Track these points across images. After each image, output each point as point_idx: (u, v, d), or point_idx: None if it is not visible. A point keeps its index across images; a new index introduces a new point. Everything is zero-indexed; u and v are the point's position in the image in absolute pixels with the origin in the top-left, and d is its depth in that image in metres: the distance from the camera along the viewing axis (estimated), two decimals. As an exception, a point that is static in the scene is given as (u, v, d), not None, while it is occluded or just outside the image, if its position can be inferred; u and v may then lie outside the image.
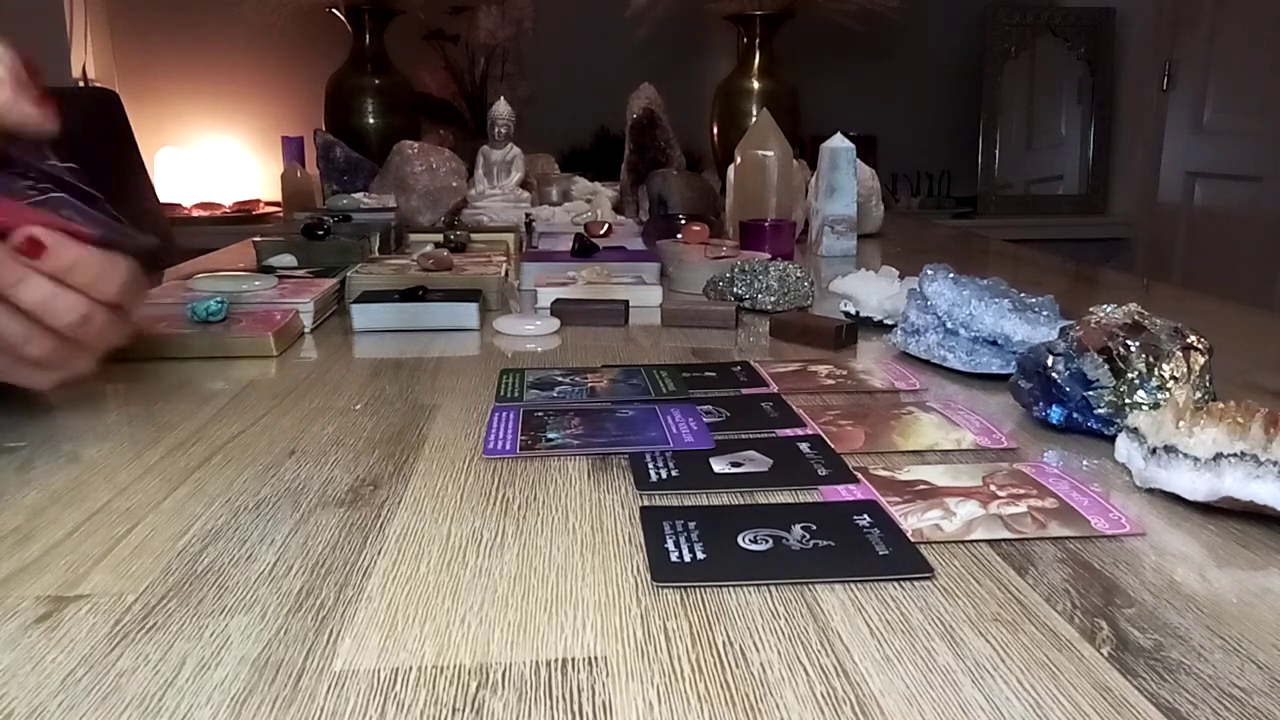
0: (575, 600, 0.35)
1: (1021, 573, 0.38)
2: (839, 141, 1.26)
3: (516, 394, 0.61)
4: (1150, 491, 0.45)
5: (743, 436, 0.53)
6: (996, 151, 2.80)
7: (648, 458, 0.50)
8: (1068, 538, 0.41)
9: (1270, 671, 0.31)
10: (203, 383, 0.65)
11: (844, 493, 0.45)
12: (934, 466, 0.49)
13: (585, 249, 1.05)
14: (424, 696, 0.30)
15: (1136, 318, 0.53)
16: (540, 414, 0.57)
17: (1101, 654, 0.32)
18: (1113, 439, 0.50)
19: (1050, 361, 0.53)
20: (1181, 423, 0.44)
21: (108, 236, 0.51)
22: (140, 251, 0.53)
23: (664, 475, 0.47)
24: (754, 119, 1.45)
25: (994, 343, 0.66)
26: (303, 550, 0.40)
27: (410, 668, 0.31)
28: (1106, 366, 0.52)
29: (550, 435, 0.53)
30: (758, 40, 2.03)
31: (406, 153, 1.43)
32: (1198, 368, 0.52)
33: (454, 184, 1.43)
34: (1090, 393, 0.52)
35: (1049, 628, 0.33)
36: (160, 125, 2.59)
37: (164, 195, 2.41)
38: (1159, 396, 0.51)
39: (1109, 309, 0.55)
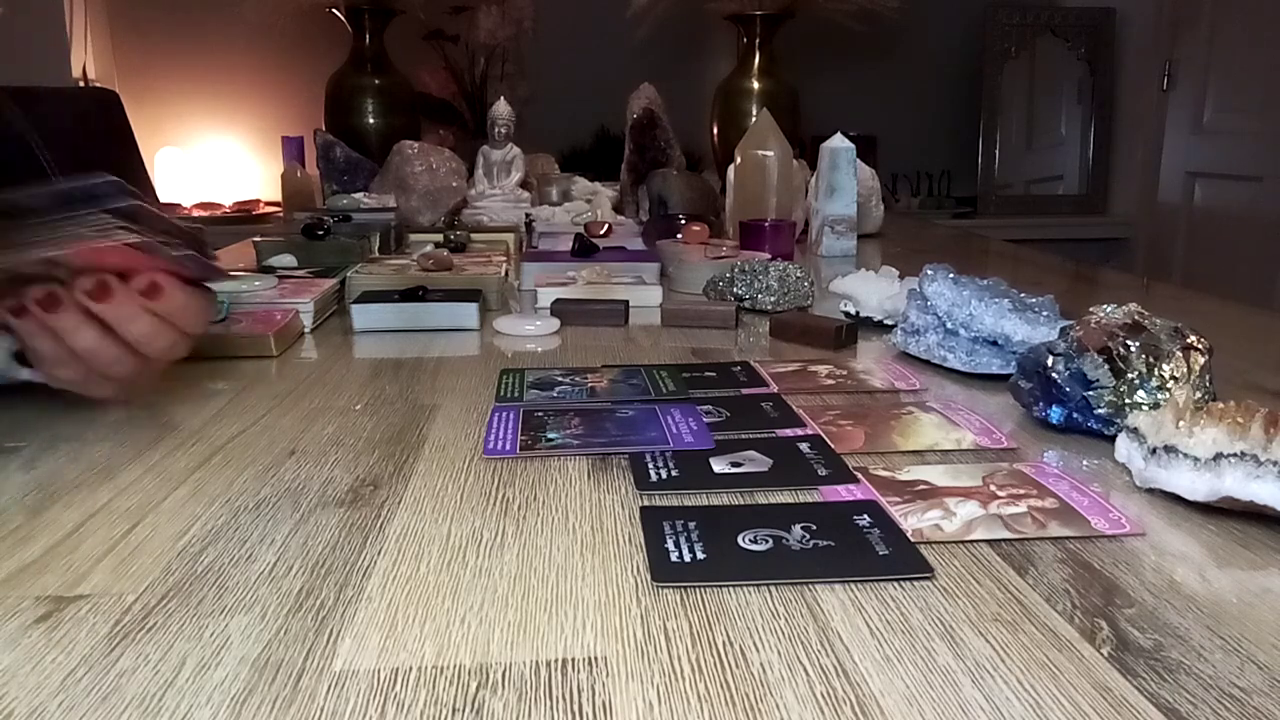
0: (575, 600, 0.35)
1: (1021, 573, 0.38)
2: (839, 141, 1.26)
3: (516, 394, 0.61)
4: (1150, 491, 0.45)
5: (743, 436, 0.53)
6: (996, 151, 2.80)
7: (648, 458, 0.50)
8: (1068, 538, 0.41)
9: (1270, 671, 0.31)
10: (203, 383, 0.65)
11: (844, 493, 0.45)
12: (934, 466, 0.49)
13: (585, 249, 1.05)
14: (424, 696, 0.30)
15: (1136, 318, 0.53)
16: (540, 414, 0.57)
17: (1101, 654, 0.32)
18: (1113, 439, 0.50)
19: (1050, 361, 0.53)
20: (1181, 423, 0.44)
21: (202, 276, 0.56)
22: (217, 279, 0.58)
23: (664, 475, 0.47)
24: (754, 119, 1.45)
25: (994, 343, 0.66)
26: (303, 550, 0.40)
27: (410, 668, 0.31)
28: (1106, 366, 0.52)
29: (550, 435, 0.53)
30: (758, 40, 2.03)
31: (406, 153, 1.43)
32: (1198, 368, 0.52)
33: (454, 184, 1.43)
34: (1090, 393, 0.52)
35: (1049, 628, 0.33)
36: (160, 125, 2.59)
37: (164, 195, 2.42)
38: (1159, 396, 0.51)
39: (1109, 309, 0.55)
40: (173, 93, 2.62)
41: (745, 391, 0.62)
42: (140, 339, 0.53)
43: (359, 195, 1.43)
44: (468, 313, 0.82)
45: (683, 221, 1.21)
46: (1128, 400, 0.51)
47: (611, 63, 2.47)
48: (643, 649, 0.32)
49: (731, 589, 0.36)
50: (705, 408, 0.58)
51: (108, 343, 0.52)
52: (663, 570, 0.37)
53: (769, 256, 1.00)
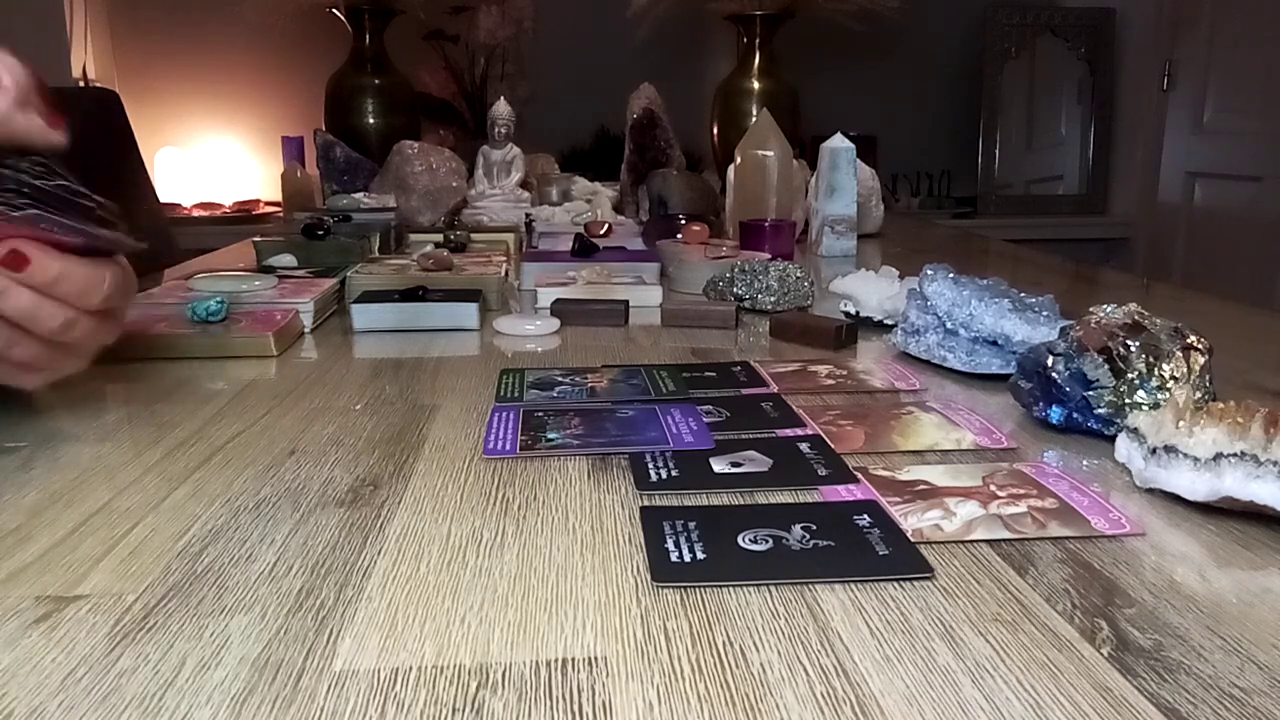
0: (575, 600, 0.35)
1: (1021, 573, 0.38)
2: (839, 141, 1.26)
3: (516, 394, 0.61)
4: (1150, 491, 0.45)
5: (743, 436, 0.53)
6: (996, 151, 2.80)
7: (648, 458, 0.50)
8: (1068, 538, 0.41)
9: (1270, 671, 0.31)
10: (203, 383, 0.65)
11: (844, 493, 0.45)
12: (934, 466, 0.49)
13: (585, 249, 1.05)
14: (424, 696, 0.30)
15: (1136, 318, 0.53)
16: (540, 414, 0.57)
17: (1101, 654, 0.32)
18: (1113, 439, 0.50)
19: (1050, 361, 0.53)
20: (1181, 423, 0.44)
21: (91, 245, 0.51)
22: (128, 254, 0.54)
23: (664, 475, 0.47)
24: (754, 119, 1.45)
25: (994, 343, 0.66)
26: (303, 550, 0.40)
27: (410, 668, 0.31)
28: (1106, 366, 0.52)
29: (550, 435, 0.53)
30: (758, 40, 2.03)
31: (406, 153, 1.43)
32: (1198, 368, 0.52)
33: (454, 184, 1.43)
34: (1090, 393, 0.52)
35: (1049, 628, 0.33)
36: (160, 125, 2.59)
37: (164, 195, 2.42)
38: (1159, 396, 0.51)
39: (1109, 309, 0.55)
40: (173, 93, 2.62)
41: (745, 391, 0.62)
42: (20, 315, 0.49)
43: (359, 195, 1.43)
44: (468, 313, 0.82)
45: (683, 221, 1.21)
46: (1128, 400, 0.51)
47: (611, 63, 2.47)
48: (643, 649, 0.32)
49: (731, 589, 0.36)
50: (705, 408, 0.58)
51: None
52: (663, 570, 0.37)
53: (769, 256, 1.00)
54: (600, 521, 0.42)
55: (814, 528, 0.41)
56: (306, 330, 0.80)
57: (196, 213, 2.53)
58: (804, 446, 0.51)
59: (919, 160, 2.86)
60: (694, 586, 0.36)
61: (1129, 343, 0.52)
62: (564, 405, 0.59)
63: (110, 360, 0.67)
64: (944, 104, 2.90)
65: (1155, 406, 0.50)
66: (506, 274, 0.98)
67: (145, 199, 1.68)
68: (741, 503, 0.45)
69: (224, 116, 2.66)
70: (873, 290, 0.81)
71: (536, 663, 0.31)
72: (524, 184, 1.50)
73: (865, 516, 0.42)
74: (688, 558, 0.38)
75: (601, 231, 1.21)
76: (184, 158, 2.63)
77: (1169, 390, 0.51)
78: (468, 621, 0.34)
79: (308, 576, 0.37)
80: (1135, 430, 0.46)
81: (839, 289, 0.85)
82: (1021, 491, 0.45)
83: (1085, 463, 0.50)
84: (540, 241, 1.25)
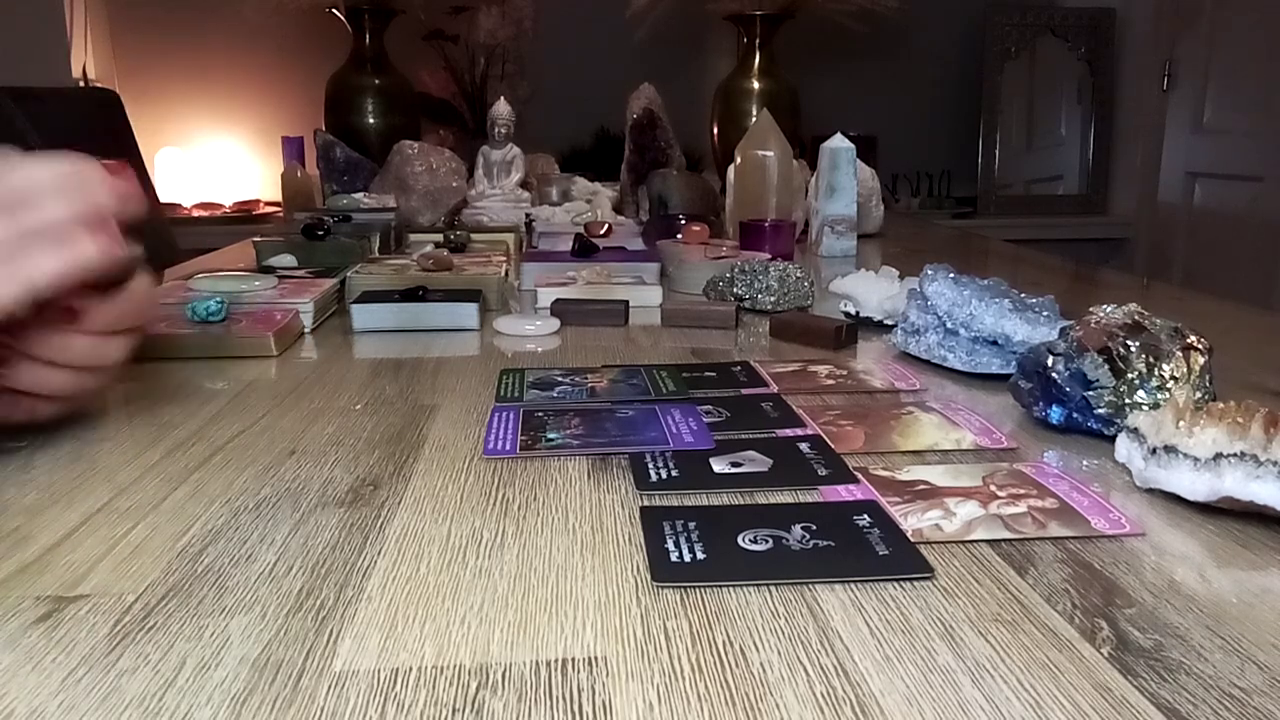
0: (575, 600, 0.35)
1: (1021, 573, 0.38)
2: (839, 141, 1.26)
3: (516, 394, 0.61)
4: (1150, 491, 0.45)
5: (743, 436, 0.53)
6: (996, 151, 2.80)
7: (648, 458, 0.50)
8: (1068, 538, 0.41)
9: (1270, 671, 0.31)
10: (203, 383, 0.65)
11: (844, 493, 0.45)
12: (934, 466, 0.49)
13: (585, 249, 1.05)
14: (424, 696, 0.30)
15: (1136, 318, 0.53)
16: (540, 414, 0.57)
17: (1101, 654, 0.32)
18: (1113, 439, 0.50)
19: (1050, 361, 0.53)
20: (1181, 423, 0.44)
21: (120, 275, 0.51)
22: (141, 267, 0.53)
23: (664, 475, 0.47)
24: (754, 119, 1.45)
25: (994, 343, 0.66)
26: (303, 550, 0.40)
27: (410, 668, 0.31)
28: (1106, 366, 0.52)
29: (550, 435, 0.53)
30: (758, 40, 2.03)
31: (406, 153, 1.43)
32: (1198, 368, 0.52)
33: (454, 184, 1.43)
34: (1090, 393, 0.52)
35: (1049, 628, 0.33)
36: (160, 125, 2.59)
37: (164, 195, 2.42)
38: (1159, 396, 0.51)
39: (1109, 309, 0.55)
40: (173, 93, 2.62)
41: (745, 391, 0.62)
42: (84, 361, 0.51)
43: (359, 195, 1.43)
44: (468, 313, 0.82)
45: (683, 221, 1.21)
46: (1128, 400, 0.51)
47: (611, 63, 2.47)
48: (643, 649, 0.32)
49: (731, 589, 0.36)
50: (705, 408, 0.58)
51: (50, 372, 0.50)
52: (663, 570, 0.37)
53: (769, 256, 1.00)
54: (600, 521, 0.42)
55: (814, 528, 0.41)
56: (306, 330, 0.80)
57: (196, 213, 2.53)
58: (804, 446, 0.51)
59: (919, 160, 2.86)
60: (694, 586, 0.36)
61: (1129, 343, 0.52)
62: (564, 405, 0.59)
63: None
64: (944, 104, 2.90)
65: (1155, 406, 0.50)
66: (506, 274, 0.98)
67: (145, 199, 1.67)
68: (741, 503, 0.45)
69: (224, 116, 2.66)
70: (873, 290, 0.81)
71: (536, 663, 0.31)
72: (524, 184, 1.50)
73: (865, 516, 0.42)
74: (688, 558, 0.38)
75: (601, 231, 1.21)
76: (184, 158, 2.63)
77: (1169, 390, 0.51)
78: (468, 622, 0.34)
79: (308, 577, 0.37)
80: (1135, 430, 0.46)
81: (839, 289, 0.85)
82: (1021, 491, 0.45)
83: (1085, 463, 0.50)
84: (540, 241, 1.25)
